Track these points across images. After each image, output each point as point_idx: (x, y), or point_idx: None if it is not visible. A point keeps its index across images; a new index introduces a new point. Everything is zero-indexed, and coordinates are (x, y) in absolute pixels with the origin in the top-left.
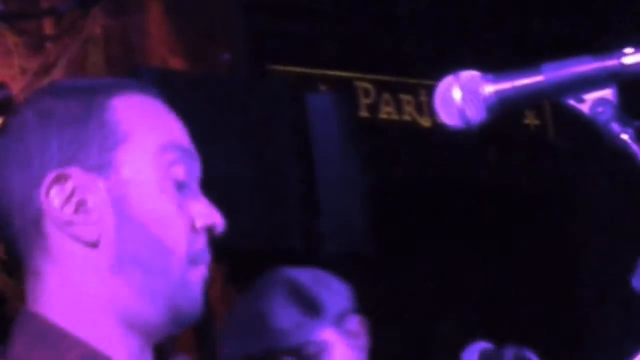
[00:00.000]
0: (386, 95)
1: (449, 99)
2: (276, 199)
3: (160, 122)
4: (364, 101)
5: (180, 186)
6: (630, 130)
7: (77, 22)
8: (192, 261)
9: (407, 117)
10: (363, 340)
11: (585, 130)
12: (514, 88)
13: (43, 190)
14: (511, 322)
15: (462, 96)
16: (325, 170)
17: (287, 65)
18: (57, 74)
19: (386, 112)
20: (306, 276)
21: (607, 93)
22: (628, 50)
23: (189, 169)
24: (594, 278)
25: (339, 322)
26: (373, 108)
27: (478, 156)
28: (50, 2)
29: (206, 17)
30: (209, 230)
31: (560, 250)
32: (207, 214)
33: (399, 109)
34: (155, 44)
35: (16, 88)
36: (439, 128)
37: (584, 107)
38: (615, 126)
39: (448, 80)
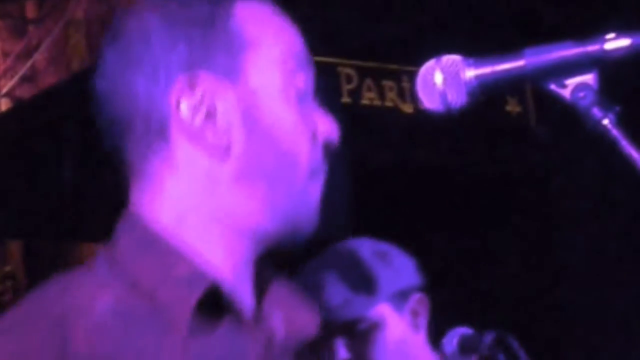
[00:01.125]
0: (368, 81)
1: (430, 83)
2: (99, 172)
3: (282, 30)
4: (347, 87)
5: (302, 95)
6: (611, 116)
7: (59, 6)
8: (312, 173)
9: (389, 103)
10: (422, 319)
11: (567, 116)
12: (495, 72)
13: (172, 95)
14: (493, 308)
15: (443, 80)
16: None
17: None
18: (39, 56)
19: (368, 97)
20: (369, 251)
21: (589, 78)
22: (609, 35)
23: (308, 79)
24: (577, 263)
25: (397, 299)
26: (355, 94)
27: (460, 143)
28: None
29: None
30: (326, 142)
31: (541, 235)
32: (326, 126)
33: (381, 94)
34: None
35: None
36: (421, 114)
37: (565, 92)
38: (596, 111)
39: (430, 64)
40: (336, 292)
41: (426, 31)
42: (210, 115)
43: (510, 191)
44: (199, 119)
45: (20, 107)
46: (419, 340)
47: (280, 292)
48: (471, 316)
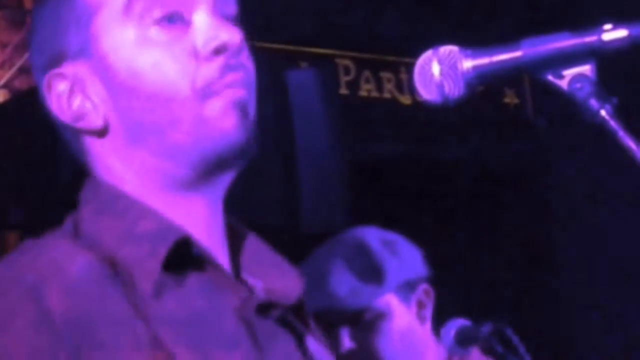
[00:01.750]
0: (366, 73)
1: (427, 74)
2: (256, 175)
3: None
4: (345, 78)
5: (167, 20)
6: (608, 107)
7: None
8: (206, 94)
9: (387, 95)
10: (428, 311)
11: (564, 108)
12: (493, 63)
13: (46, 99)
14: (490, 301)
15: (440, 71)
16: (305, 146)
17: (266, 42)
18: None
19: (366, 89)
20: (376, 240)
21: (586, 69)
22: (607, 26)
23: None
24: (574, 255)
25: (404, 290)
26: (353, 85)
27: (458, 135)
28: None
29: None
30: (221, 50)
31: (539, 228)
32: (211, 36)
33: (379, 86)
34: None
35: None
36: (419, 106)
37: (563, 83)
38: (593, 102)
39: (427, 55)
40: (342, 281)
41: (424, 22)
42: (82, 100)
43: (508, 182)
44: (75, 108)
45: (17, 99)
46: (424, 332)
47: (259, 252)
48: (470, 308)
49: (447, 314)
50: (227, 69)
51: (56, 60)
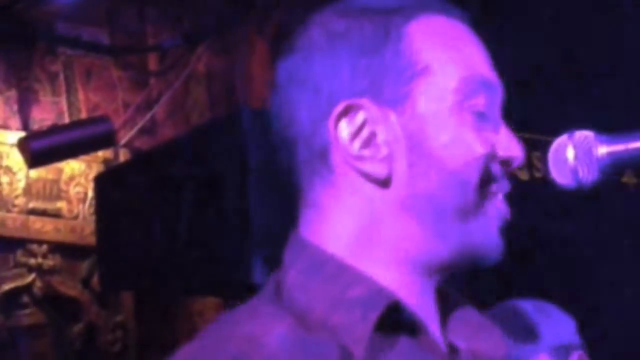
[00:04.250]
0: None
1: (562, 158)
2: (213, 229)
3: (462, 50)
4: None
5: (480, 117)
6: None
7: (181, 59)
8: (490, 192)
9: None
10: None
11: None
12: (628, 150)
13: (332, 121)
14: None
15: (575, 155)
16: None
17: None
18: (159, 109)
19: None
20: (530, 306)
21: None
22: None
23: (490, 100)
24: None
25: (559, 353)
26: None
27: (571, 210)
28: (156, 38)
29: None
30: (507, 163)
31: None
32: (508, 145)
33: None
34: (257, 85)
35: (118, 122)
36: (535, 182)
37: None
38: None
39: (562, 139)
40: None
41: (543, 99)
42: (372, 141)
43: (617, 262)
44: (359, 146)
45: (138, 159)
46: None
47: (467, 318)
48: None
49: None
50: (507, 182)
51: (357, 90)
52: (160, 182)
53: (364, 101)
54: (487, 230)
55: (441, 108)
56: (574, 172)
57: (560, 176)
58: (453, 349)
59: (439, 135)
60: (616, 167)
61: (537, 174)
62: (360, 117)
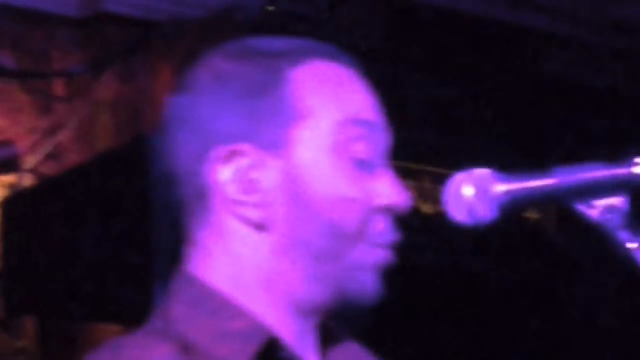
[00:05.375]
0: None
1: (459, 196)
2: (116, 255)
3: (344, 94)
4: None
5: (361, 164)
6: (638, 240)
7: (87, 85)
8: (370, 244)
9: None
10: None
11: (587, 230)
12: (525, 189)
13: (212, 164)
14: None
15: (473, 194)
16: None
17: None
18: (65, 134)
19: None
20: None
21: (618, 201)
22: (639, 159)
23: (373, 145)
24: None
25: None
26: None
27: (475, 246)
28: (63, 63)
29: None
30: (390, 211)
31: (554, 338)
32: (389, 193)
33: None
34: (162, 111)
35: (23, 146)
36: (440, 216)
37: (594, 213)
38: (623, 234)
39: (459, 177)
40: None
41: (449, 135)
42: (252, 187)
43: (523, 296)
44: (238, 191)
45: (45, 184)
46: None
47: (349, 354)
48: None
49: None
50: (392, 229)
51: (238, 134)
52: (66, 207)
53: (246, 147)
54: (362, 279)
55: (319, 154)
56: (471, 209)
57: (457, 213)
58: None
59: (316, 184)
60: (514, 205)
61: (442, 208)
62: (240, 162)
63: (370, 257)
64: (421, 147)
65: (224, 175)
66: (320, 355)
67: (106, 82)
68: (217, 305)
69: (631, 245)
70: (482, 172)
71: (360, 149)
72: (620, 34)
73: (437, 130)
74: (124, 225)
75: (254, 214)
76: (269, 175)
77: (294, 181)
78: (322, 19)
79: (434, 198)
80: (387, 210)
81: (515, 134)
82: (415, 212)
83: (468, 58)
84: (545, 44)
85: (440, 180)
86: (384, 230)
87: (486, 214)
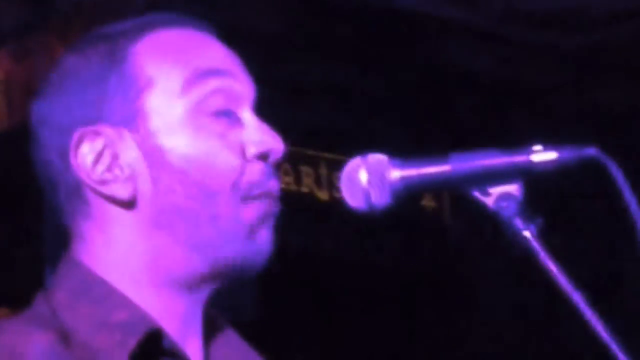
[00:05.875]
0: (285, 165)
1: (354, 181)
2: (8, 238)
3: (190, 53)
4: None
5: (222, 115)
6: (532, 227)
7: None
8: (245, 197)
9: (305, 189)
10: None
11: (482, 216)
12: (420, 175)
13: (72, 152)
14: None
15: (367, 179)
16: None
17: None
18: None
19: (285, 181)
20: None
21: (513, 188)
22: (536, 147)
23: (232, 94)
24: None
25: None
26: None
27: (373, 234)
28: None
29: None
30: (264, 157)
31: (457, 328)
32: (259, 140)
33: (298, 179)
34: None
35: None
36: (336, 203)
37: (489, 200)
38: (518, 222)
39: (355, 162)
40: None
41: (347, 120)
42: (114, 164)
43: (422, 287)
44: (101, 169)
45: None
46: None
47: (233, 347)
48: None
49: None
50: (269, 176)
51: (91, 119)
52: None
53: (98, 127)
54: (246, 238)
55: (172, 118)
56: (366, 195)
57: (353, 198)
58: None
59: (175, 147)
60: (410, 192)
61: (338, 194)
62: (97, 143)
63: (248, 212)
64: (317, 133)
65: (86, 160)
66: (203, 343)
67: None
68: (100, 293)
69: (526, 233)
70: (378, 158)
71: (218, 101)
72: (521, 25)
73: (334, 115)
74: (18, 207)
75: (120, 191)
76: (127, 149)
77: (152, 151)
78: None
79: (329, 184)
80: (260, 157)
81: (412, 120)
82: (311, 199)
83: (368, 44)
84: (443, 31)
85: (337, 166)
86: (260, 180)
87: (381, 199)
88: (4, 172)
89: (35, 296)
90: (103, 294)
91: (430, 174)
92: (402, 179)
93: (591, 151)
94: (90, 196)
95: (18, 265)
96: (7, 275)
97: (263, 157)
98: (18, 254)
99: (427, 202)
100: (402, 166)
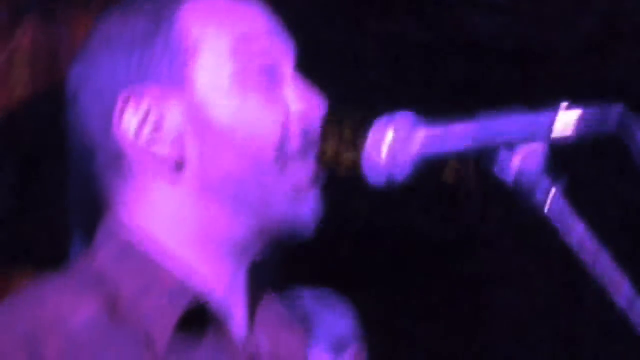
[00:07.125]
0: None
1: (380, 141)
2: (34, 204)
3: (234, 16)
4: None
5: (267, 73)
6: (558, 187)
7: (5, 33)
8: (295, 157)
9: None
10: None
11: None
12: (446, 133)
13: (117, 115)
14: None
15: (394, 137)
16: None
17: None
18: None
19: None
20: (307, 293)
21: (538, 147)
22: (563, 104)
23: (276, 54)
24: (507, 326)
25: (333, 347)
26: None
27: (392, 201)
28: None
29: None
30: (306, 116)
31: (470, 299)
32: (303, 97)
33: None
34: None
35: None
36: None
37: (514, 161)
38: (543, 182)
39: (381, 121)
40: None
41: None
42: (159, 126)
43: (439, 253)
44: (147, 134)
45: None
46: None
47: (271, 311)
48: None
49: None
50: (314, 143)
51: (135, 83)
52: None
53: (145, 88)
54: (293, 199)
55: (220, 79)
56: (392, 154)
57: (377, 160)
58: (253, 352)
59: (222, 109)
60: (435, 153)
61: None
62: (143, 104)
63: (300, 174)
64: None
65: (132, 121)
66: (248, 310)
67: (26, 30)
68: (145, 259)
69: (550, 194)
70: (405, 115)
71: (263, 62)
72: None
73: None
74: (43, 175)
75: (168, 152)
76: (173, 112)
77: (199, 113)
78: None
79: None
80: (304, 116)
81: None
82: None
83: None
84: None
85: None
86: (308, 141)
87: (406, 161)
88: (33, 137)
89: (74, 259)
90: (148, 259)
91: (457, 132)
92: (428, 137)
93: (617, 108)
94: (134, 160)
95: (41, 228)
96: (34, 237)
97: (306, 116)
98: (41, 217)
99: (448, 176)
100: (428, 125)
